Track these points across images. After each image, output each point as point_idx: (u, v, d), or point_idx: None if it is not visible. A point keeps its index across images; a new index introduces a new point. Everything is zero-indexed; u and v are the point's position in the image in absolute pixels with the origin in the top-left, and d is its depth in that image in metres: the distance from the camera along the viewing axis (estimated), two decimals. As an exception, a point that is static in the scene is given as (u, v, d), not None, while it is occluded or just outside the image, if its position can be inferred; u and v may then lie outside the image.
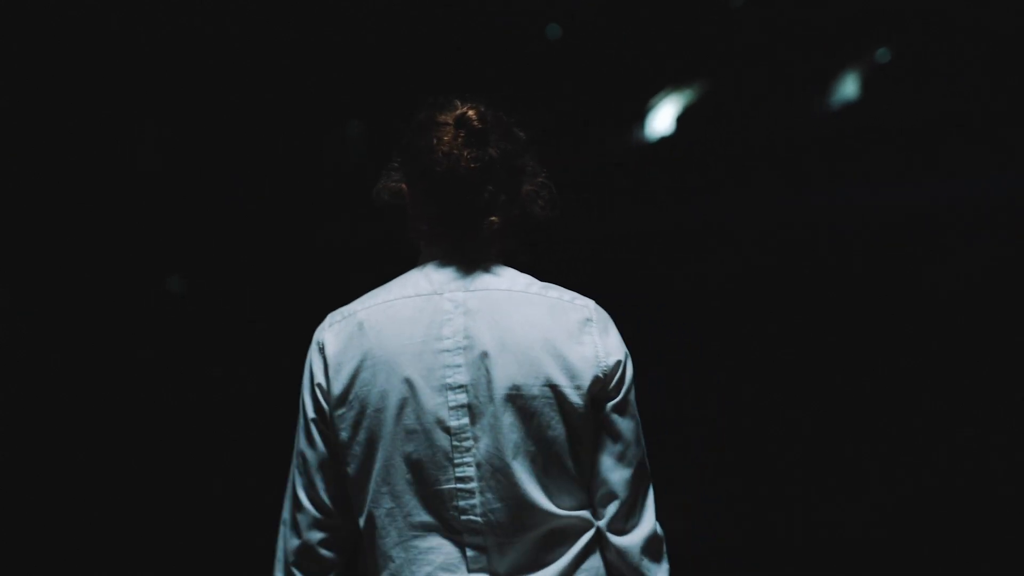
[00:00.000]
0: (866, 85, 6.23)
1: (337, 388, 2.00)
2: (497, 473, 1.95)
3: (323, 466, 2.03)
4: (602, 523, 2.02)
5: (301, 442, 2.05)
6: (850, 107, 6.22)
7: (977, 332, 5.19)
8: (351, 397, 1.99)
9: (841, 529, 4.75)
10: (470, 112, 2.04)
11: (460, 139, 2.02)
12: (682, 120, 6.36)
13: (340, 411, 1.99)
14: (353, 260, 5.91)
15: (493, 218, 2.05)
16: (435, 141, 2.02)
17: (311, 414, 2.03)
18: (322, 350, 2.03)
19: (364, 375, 1.98)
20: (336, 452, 2.02)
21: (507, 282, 2.06)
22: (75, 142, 5.58)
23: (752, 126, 6.22)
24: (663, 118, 6.44)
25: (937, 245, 5.47)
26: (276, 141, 5.94)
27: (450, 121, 2.03)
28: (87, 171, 5.62)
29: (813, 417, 5.14)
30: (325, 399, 2.02)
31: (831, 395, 5.20)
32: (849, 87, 6.25)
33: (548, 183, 2.14)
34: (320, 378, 2.02)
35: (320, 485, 2.03)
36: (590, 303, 2.08)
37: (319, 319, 2.11)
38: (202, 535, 4.91)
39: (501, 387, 1.96)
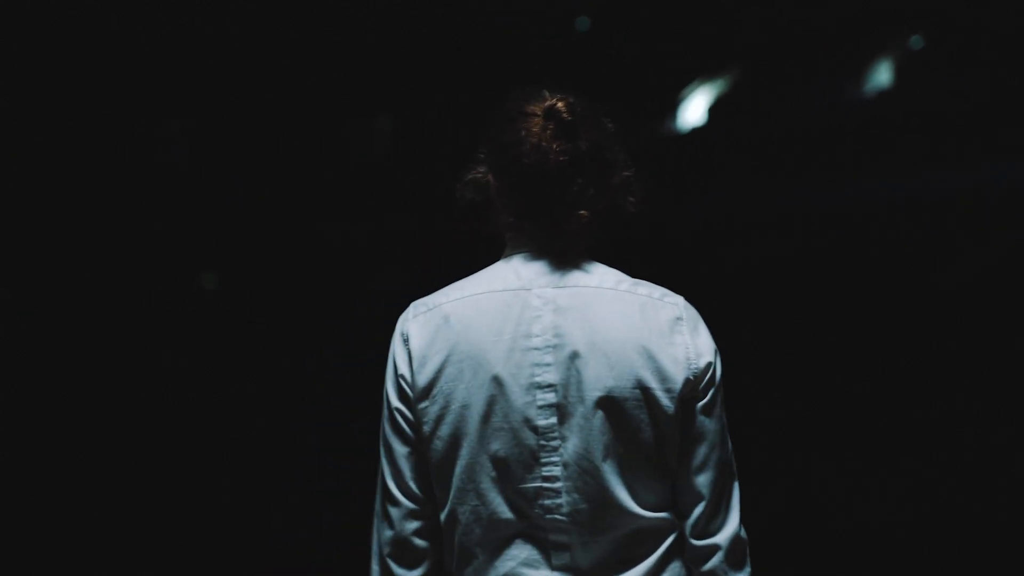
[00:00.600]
0: (900, 73, 6.19)
1: (421, 381, 1.97)
2: (585, 474, 1.93)
3: (410, 456, 2.00)
4: (685, 525, 2.00)
5: (388, 432, 2.02)
6: (884, 95, 6.19)
7: (992, 327, 5.16)
8: (435, 392, 1.96)
9: (843, 527, 4.73)
10: (559, 104, 2.00)
11: (549, 131, 1.98)
12: (714, 111, 6.35)
13: (424, 404, 1.97)
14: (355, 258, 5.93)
15: (582, 212, 2.01)
16: (523, 133, 1.98)
17: (396, 404, 2.01)
18: (406, 341, 2.01)
19: (450, 370, 1.96)
20: (421, 443, 2.00)
21: (597, 279, 2.02)
22: (78, 140, 5.59)
23: (782, 116, 6.20)
24: (695, 109, 6.43)
25: (963, 235, 5.44)
26: (279, 138, 5.94)
27: (539, 112, 2.00)
28: (90, 169, 5.62)
29: (816, 414, 5.11)
30: (410, 389, 1.99)
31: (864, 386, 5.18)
32: (883, 75, 6.22)
33: (637, 176, 2.11)
34: (404, 369, 1.99)
35: (408, 475, 2.00)
36: (680, 300, 2.04)
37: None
38: (203, 535, 4.92)
39: (591, 388, 1.93)
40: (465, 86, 5.93)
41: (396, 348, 2.02)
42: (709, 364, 1.99)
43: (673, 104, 6.42)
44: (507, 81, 2.10)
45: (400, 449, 2.00)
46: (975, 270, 5.40)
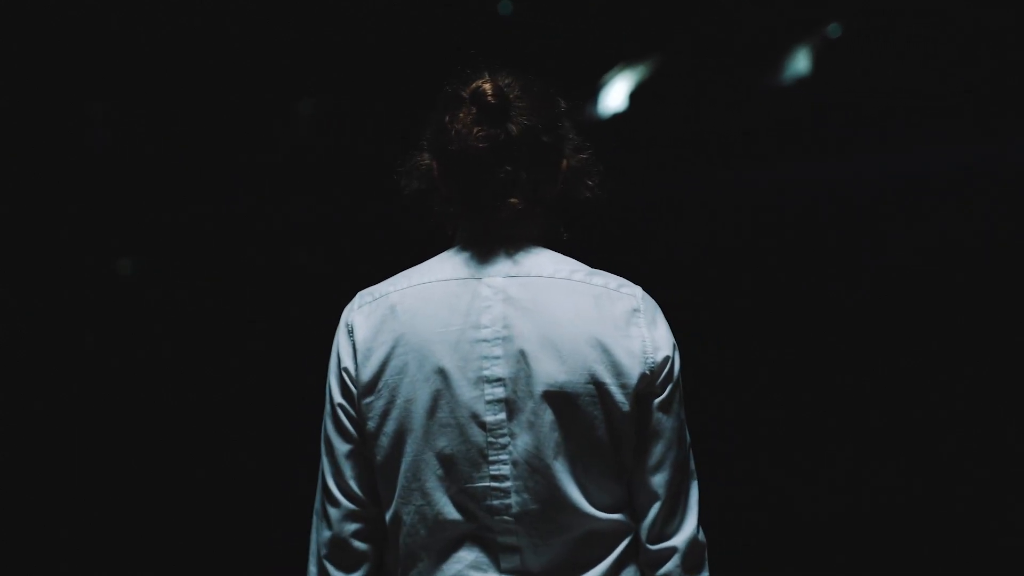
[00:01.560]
0: (818, 60, 6.23)
1: (366, 375, 1.88)
2: (536, 473, 1.84)
3: (352, 454, 1.91)
4: (640, 527, 1.90)
5: (329, 429, 1.93)
6: (802, 82, 6.22)
7: (926, 311, 5.21)
8: (380, 385, 1.87)
9: (821, 523, 4.73)
10: (485, 86, 1.90)
11: (471, 116, 1.89)
12: (635, 97, 6.35)
13: (368, 399, 1.88)
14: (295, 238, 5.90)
15: (513, 200, 1.90)
16: (448, 118, 1.90)
17: (338, 399, 1.91)
18: (351, 333, 1.92)
19: (395, 362, 1.87)
20: (364, 441, 1.91)
21: (550, 268, 1.93)
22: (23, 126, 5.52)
23: (704, 103, 6.22)
24: (616, 95, 6.43)
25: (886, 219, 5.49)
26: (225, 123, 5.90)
27: (465, 96, 1.90)
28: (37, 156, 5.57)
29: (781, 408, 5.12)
30: (353, 384, 1.89)
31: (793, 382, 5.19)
32: (801, 62, 6.25)
33: (595, 160, 2.01)
34: (348, 362, 1.90)
35: (349, 474, 1.91)
36: (637, 291, 1.94)
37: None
38: (198, 533, 4.87)
39: (542, 383, 1.84)
40: (384, 74, 5.91)
41: (340, 340, 1.93)
42: (667, 358, 1.89)
43: (594, 90, 6.43)
44: (458, 58, 2.01)
45: (341, 447, 1.91)
46: (904, 255, 5.46)
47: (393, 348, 1.87)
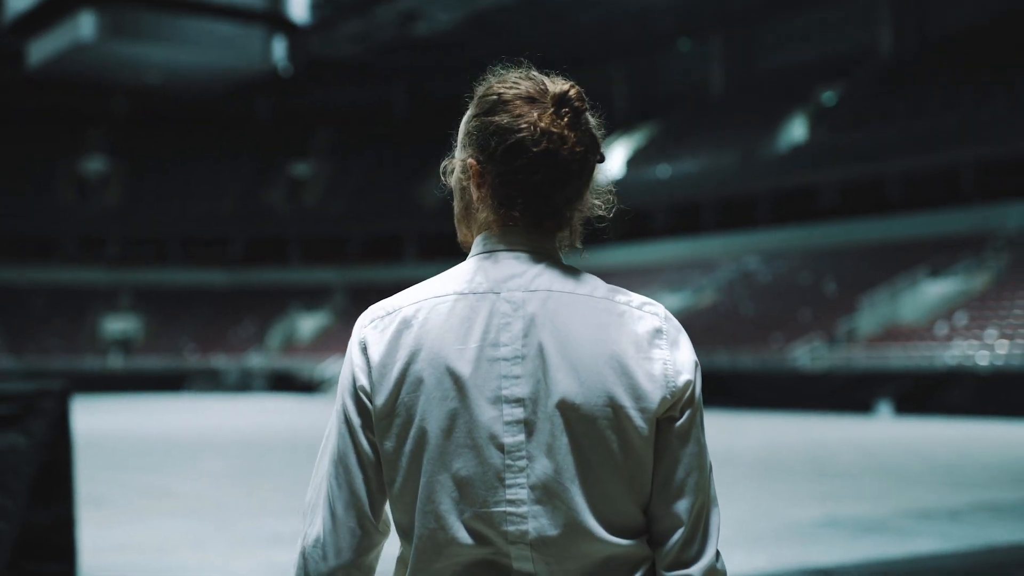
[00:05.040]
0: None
1: (382, 394, 1.77)
2: (554, 498, 1.74)
3: (369, 480, 1.79)
4: (659, 553, 1.80)
5: (343, 453, 1.80)
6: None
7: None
8: (397, 404, 1.76)
9: None
10: (572, 90, 1.81)
11: (566, 119, 1.79)
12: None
13: (384, 420, 1.77)
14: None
15: (579, 204, 1.85)
16: (532, 117, 1.78)
17: (355, 419, 1.80)
18: (364, 350, 1.81)
19: (411, 379, 1.75)
20: (379, 464, 1.80)
21: (572, 284, 1.82)
22: None
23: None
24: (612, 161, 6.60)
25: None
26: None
27: (546, 98, 1.81)
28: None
29: None
30: (371, 403, 1.78)
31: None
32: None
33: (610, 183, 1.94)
34: (363, 381, 1.79)
35: (365, 500, 1.79)
36: (660, 310, 1.84)
37: None
38: None
39: (560, 404, 1.74)
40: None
41: (354, 358, 1.82)
42: (688, 382, 1.80)
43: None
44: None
45: (358, 471, 1.80)
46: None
47: (408, 365, 1.77)
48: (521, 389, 1.75)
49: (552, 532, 1.74)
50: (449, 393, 1.74)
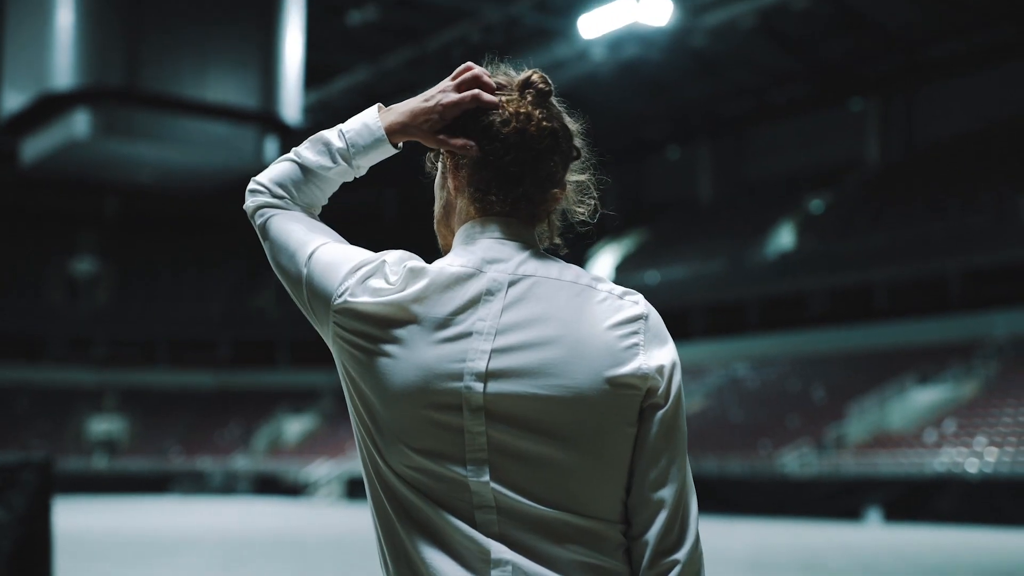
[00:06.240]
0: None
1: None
2: (525, 479, 1.75)
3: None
4: (641, 539, 1.80)
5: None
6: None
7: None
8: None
9: None
10: (535, 75, 1.89)
11: (529, 98, 1.86)
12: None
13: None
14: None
15: (556, 191, 1.89)
16: (503, 100, 1.86)
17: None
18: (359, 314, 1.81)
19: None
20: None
21: (556, 270, 1.85)
22: None
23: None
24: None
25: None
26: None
27: (513, 84, 1.89)
28: None
29: None
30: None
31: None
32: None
33: (593, 184, 1.99)
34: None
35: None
36: (641, 299, 1.86)
37: None
38: None
39: (540, 387, 1.75)
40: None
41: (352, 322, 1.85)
42: (668, 369, 1.82)
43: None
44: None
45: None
46: None
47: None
48: (486, 364, 1.76)
49: (524, 510, 1.75)
50: (418, 365, 1.78)
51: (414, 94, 1.99)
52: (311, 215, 1.96)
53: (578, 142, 1.94)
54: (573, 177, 1.95)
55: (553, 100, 1.89)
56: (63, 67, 19.40)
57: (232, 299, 51.36)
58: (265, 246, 1.93)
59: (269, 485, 40.11)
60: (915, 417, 28.15)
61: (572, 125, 1.93)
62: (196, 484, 41.32)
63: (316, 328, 1.92)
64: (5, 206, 48.96)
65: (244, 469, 42.42)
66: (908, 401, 28.96)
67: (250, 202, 1.95)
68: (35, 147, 22.48)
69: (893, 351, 32.18)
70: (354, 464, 34.61)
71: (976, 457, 23.54)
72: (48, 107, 20.19)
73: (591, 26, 28.48)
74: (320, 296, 1.86)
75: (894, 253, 34.08)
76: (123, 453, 44.52)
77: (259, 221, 1.94)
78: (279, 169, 1.95)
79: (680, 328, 41.34)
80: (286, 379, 49.03)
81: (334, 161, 1.94)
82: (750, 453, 28.71)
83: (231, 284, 51.84)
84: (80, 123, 19.73)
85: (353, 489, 35.12)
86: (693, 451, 27.84)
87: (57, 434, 44.14)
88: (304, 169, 1.94)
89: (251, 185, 1.96)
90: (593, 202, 1.98)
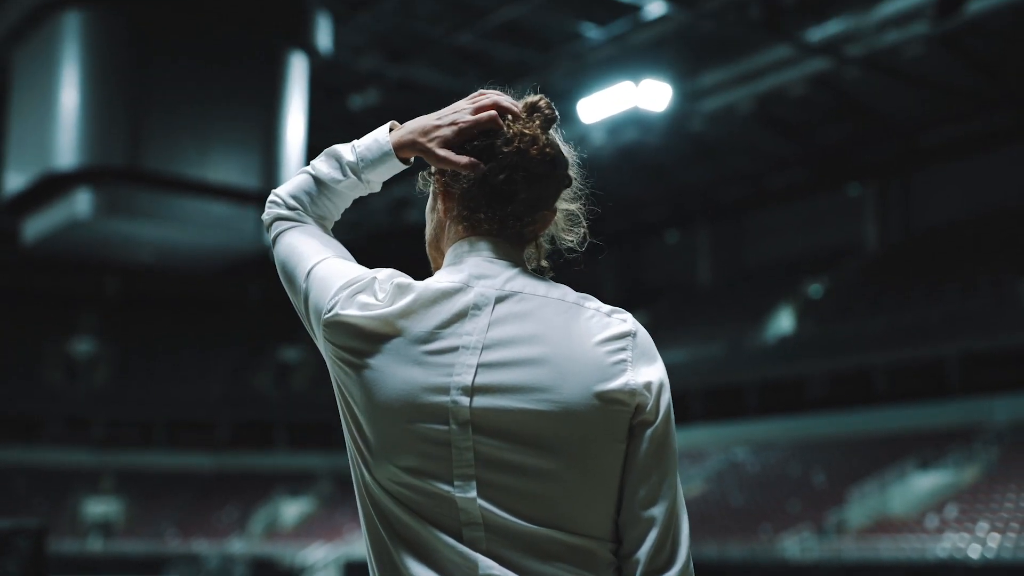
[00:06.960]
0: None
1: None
2: (512, 496, 1.73)
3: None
4: (632, 558, 1.79)
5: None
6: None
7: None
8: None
9: None
10: (541, 101, 1.94)
11: (537, 122, 1.91)
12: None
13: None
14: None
15: (546, 212, 1.93)
16: (509, 120, 1.90)
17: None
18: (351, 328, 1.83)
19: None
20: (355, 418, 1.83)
21: (543, 287, 1.86)
22: None
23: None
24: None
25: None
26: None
27: (518, 107, 1.93)
28: None
29: None
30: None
31: None
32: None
33: (583, 216, 2.02)
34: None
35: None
36: (629, 317, 1.90)
37: None
38: None
39: (523, 399, 1.75)
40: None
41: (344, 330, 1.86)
42: (657, 387, 1.81)
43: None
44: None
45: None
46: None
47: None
48: (472, 378, 1.75)
49: (512, 527, 1.74)
50: (407, 379, 1.80)
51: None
52: (324, 228, 1.99)
53: (572, 171, 1.97)
54: (564, 205, 1.97)
55: (558, 131, 1.94)
56: (66, 147, 19.51)
57: (232, 379, 51.21)
58: (276, 261, 1.98)
59: (265, 569, 39.72)
60: (916, 502, 27.96)
61: (568, 154, 1.97)
62: (192, 567, 40.91)
63: (317, 345, 1.93)
64: (5, 286, 48.99)
65: (240, 552, 42.04)
66: (909, 486, 28.78)
67: (266, 213, 2.01)
68: (37, 227, 22.56)
69: (893, 436, 32.03)
70: (352, 548, 34.33)
71: (978, 543, 23.35)
72: (50, 187, 20.27)
73: (590, 110, 28.67)
74: (314, 310, 1.88)
75: (893, 337, 34.04)
76: (119, 535, 44.15)
77: (272, 234, 1.99)
78: (295, 181, 2.00)
79: (679, 412, 40.76)
80: (283, 461, 48.74)
81: (344, 174, 1.96)
82: (750, 538, 28.48)
83: (231, 364, 51.73)
84: (82, 202, 19.79)
85: (351, 573, 34.80)
86: (693, 536, 27.61)
87: (54, 515, 43.81)
88: (318, 181, 1.98)
89: (270, 197, 2.02)
90: (582, 230, 2.00)
